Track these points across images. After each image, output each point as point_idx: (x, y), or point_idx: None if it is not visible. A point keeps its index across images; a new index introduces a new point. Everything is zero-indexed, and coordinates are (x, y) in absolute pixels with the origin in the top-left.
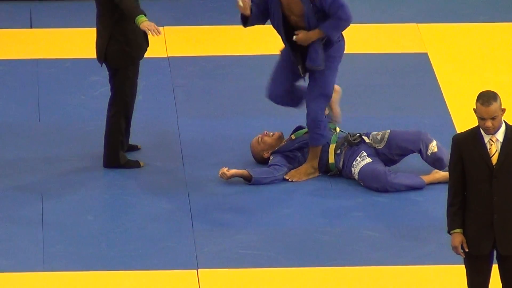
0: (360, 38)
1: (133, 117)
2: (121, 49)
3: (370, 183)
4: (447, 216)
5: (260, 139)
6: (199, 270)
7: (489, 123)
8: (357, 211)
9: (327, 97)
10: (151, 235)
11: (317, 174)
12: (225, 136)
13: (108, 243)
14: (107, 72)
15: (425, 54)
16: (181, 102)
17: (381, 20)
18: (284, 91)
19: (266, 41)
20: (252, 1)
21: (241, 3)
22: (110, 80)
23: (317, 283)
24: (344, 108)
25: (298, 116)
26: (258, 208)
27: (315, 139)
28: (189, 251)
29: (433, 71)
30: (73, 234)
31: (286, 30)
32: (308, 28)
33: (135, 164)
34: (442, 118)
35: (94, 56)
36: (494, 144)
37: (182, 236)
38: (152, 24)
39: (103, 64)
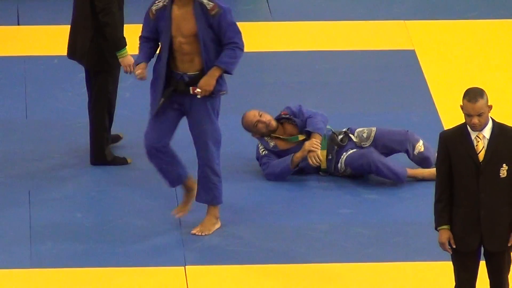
0: (347, 35)
1: (121, 114)
2: (102, 53)
3: (356, 162)
4: (434, 213)
5: (259, 113)
6: (186, 266)
7: (475, 120)
8: (345, 208)
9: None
10: (139, 231)
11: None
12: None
13: (96, 239)
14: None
15: (413, 51)
16: None
17: (369, 17)
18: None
19: (265, 38)
20: (141, 38)
21: (140, 76)
22: (88, 79)
23: (307, 280)
24: (332, 105)
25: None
26: (247, 204)
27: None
28: (177, 248)
29: (421, 68)
30: (61, 230)
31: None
32: (201, 51)
33: (122, 161)
34: (429, 115)
35: None
36: (481, 141)
37: (169, 233)
38: (132, 63)
39: (79, 62)
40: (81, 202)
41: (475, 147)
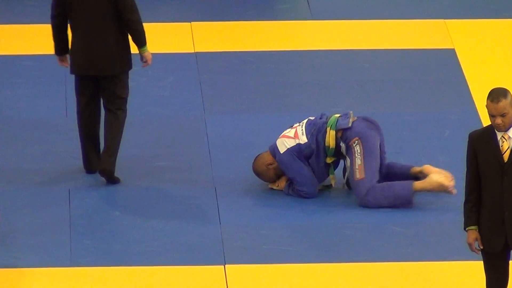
0: (387, 34)
1: (159, 112)
2: (124, 54)
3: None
4: (463, 213)
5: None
6: (226, 265)
7: (499, 120)
8: (384, 208)
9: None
10: (178, 230)
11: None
12: (252, 132)
13: (135, 238)
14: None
15: (452, 50)
16: (208, 98)
17: (409, 16)
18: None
19: (293, 36)
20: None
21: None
22: (101, 88)
23: (344, 279)
24: (371, 104)
25: (325, 112)
26: (285, 203)
27: None
28: (216, 247)
29: (460, 67)
30: (100, 229)
31: None
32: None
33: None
34: (468, 114)
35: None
36: (506, 141)
37: (209, 232)
38: (151, 57)
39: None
40: (120, 200)
41: (500, 148)
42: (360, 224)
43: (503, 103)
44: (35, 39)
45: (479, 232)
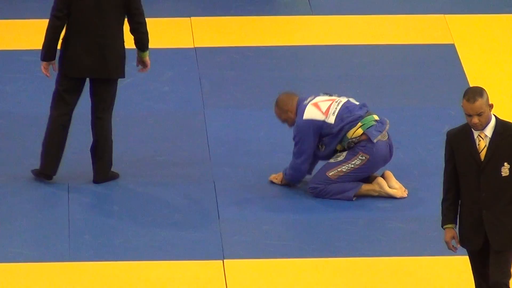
0: (387, 29)
1: (158, 107)
2: (124, 58)
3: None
4: (441, 211)
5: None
6: (225, 260)
7: (475, 119)
8: (382, 202)
9: None
10: (177, 225)
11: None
12: (252, 127)
13: (133, 233)
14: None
15: (452, 45)
16: (208, 93)
17: (409, 11)
18: None
19: (293, 32)
20: None
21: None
22: (98, 92)
23: (344, 274)
24: (371, 99)
25: None
26: (284, 198)
27: None
28: (215, 241)
29: (460, 62)
30: (99, 224)
31: None
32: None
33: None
34: None
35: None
36: (483, 140)
37: (208, 226)
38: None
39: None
40: (119, 195)
41: (477, 146)
42: (359, 219)
43: (479, 102)
44: (35, 34)
45: (459, 230)
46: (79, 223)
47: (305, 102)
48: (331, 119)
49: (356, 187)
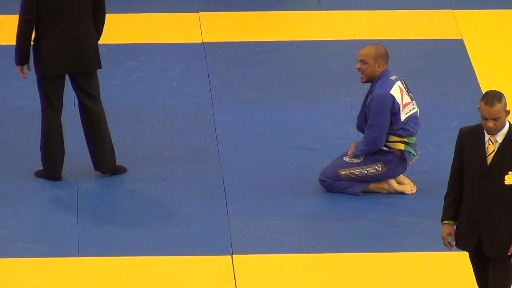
0: (395, 24)
1: (167, 102)
2: (97, 49)
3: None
4: (443, 206)
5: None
6: (233, 255)
7: (490, 124)
8: (391, 198)
9: None
10: (185, 220)
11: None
12: (260, 122)
13: (142, 228)
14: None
15: (461, 40)
16: (216, 88)
17: (417, 6)
18: None
19: (301, 27)
20: None
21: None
22: (81, 85)
23: (353, 269)
24: None
25: (331, 102)
26: (293, 193)
27: None
28: (224, 237)
29: (468, 58)
30: (107, 219)
31: None
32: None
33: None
34: (476, 104)
35: (131, 41)
36: (493, 144)
37: (216, 222)
38: None
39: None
40: (128, 190)
41: (486, 150)
42: (368, 214)
43: (497, 107)
44: None
45: (456, 228)
46: (87, 218)
47: (391, 77)
48: (403, 116)
49: (364, 184)
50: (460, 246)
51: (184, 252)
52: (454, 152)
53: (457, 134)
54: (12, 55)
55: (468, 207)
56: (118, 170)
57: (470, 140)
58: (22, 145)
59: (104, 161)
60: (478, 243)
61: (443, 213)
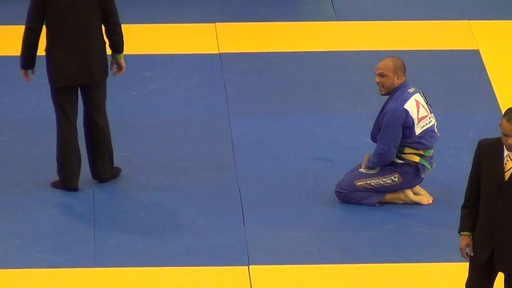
0: (411, 35)
1: (183, 113)
2: (106, 58)
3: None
4: (460, 217)
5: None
6: (250, 266)
7: (511, 141)
8: (407, 208)
9: None
10: (202, 231)
11: None
12: (277, 132)
13: (159, 239)
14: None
15: (477, 51)
16: (233, 99)
17: (433, 17)
18: None
19: (318, 37)
20: None
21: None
22: (89, 96)
23: (370, 280)
24: None
25: (348, 113)
26: (309, 204)
27: None
28: (241, 247)
29: (485, 68)
30: (124, 230)
31: None
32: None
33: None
34: (493, 115)
35: (147, 51)
36: (511, 161)
37: (233, 232)
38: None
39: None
40: (144, 201)
41: (504, 165)
42: (384, 225)
43: None
44: None
45: (472, 239)
46: (104, 228)
47: (409, 90)
48: (418, 130)
49: (380, 195)
50: (473, 258)
51: (201, 263)
52: (472, 164)
53: (476, 145)
54: None
55: (483, 221)
56: (114, 175)
57: (489, 153)
58: (39, 156)
59: (104, 171)
60: (489, 256)
61: (460, 224)
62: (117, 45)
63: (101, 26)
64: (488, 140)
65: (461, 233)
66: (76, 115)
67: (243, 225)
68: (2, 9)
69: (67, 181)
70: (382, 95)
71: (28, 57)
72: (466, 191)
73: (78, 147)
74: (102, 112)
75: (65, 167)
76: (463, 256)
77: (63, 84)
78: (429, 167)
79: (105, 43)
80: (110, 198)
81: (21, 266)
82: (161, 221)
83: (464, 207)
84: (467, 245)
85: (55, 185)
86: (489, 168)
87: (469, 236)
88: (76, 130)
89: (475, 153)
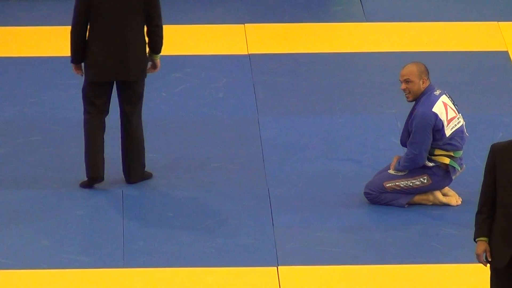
0: (440, 36)
1: (213, 114)
2: (145, 57)
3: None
4: (475, 223)
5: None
6: (279, 267)
7: None
8: (436, 209)
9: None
10: (231, 231)
11: None
12: (306, 133)
13: (188, 239)
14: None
15: (506, 53)
16: (262, 99)
17: (462, 18)
18: None
19: (347, 38)
20: None
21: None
22: (123, 94)
23: (398, 281)
24: None
25: (377, 113)
26: (338, 205)
27: None
28: (269, 248)
29: None
30: (153, 230)
31: None
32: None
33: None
34: None
35: (177, 52)
36: None
37: (262, 233)
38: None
39: (126, 79)
40: (174, 201)
41: None
42: (412, 225)
43: None
44: None
45: (489, 245)
46: (133, 229)
47: (435, 92)
48: (448, 132)
49: (409, 196)
50: (491, 262)
51: (230, 263)
52: (486, 169)
53: (489, 150)
54: (60, 67)
55: (502, 223)
56: (144, 177)
57: (505, 156)
58: (68, 156)
59: (134, 172)
60: (510, 261)
61: (476, 230)
62: (156, 46)
63: (143, 27)
64: (501, 143)
65: (477, 239)
66: (107, 113)
67: (272, 226)
68: (30, 10)
69: (90, 170)
70: (409, 101)
71: (77, 52)
72: (480, 197)
73: (102, 139)
74: (136, 112)
75: (90, 156)
76: (481, 262)
77: (97, 79)
78: (459, 169)
79: (146, 44)
80: (140, 199)
81: (50, 267)
82: (190, 221)
83: (479, 213)
84: (484, 251)
85: (84, 185)
86: (506, 171)
87: (486, 241)
88: (104, 126)
89: (488, 157)
